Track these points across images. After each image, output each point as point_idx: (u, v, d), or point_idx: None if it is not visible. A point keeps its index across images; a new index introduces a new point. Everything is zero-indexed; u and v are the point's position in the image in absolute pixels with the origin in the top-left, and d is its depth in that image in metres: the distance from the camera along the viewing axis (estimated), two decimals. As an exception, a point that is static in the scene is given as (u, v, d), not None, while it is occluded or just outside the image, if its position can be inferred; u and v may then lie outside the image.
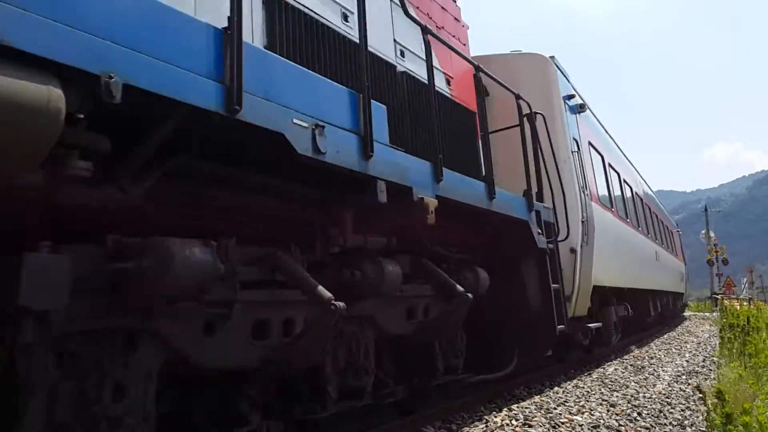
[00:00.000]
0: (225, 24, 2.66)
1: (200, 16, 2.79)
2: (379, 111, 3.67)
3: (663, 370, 8.45)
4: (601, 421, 5.03)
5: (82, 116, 2.11)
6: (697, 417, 5.49)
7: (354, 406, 4.06)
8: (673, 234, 20.78)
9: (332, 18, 4.24)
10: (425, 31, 4.64)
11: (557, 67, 8.63)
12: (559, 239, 6.50)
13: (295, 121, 2.91)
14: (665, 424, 5.15)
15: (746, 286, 42.11)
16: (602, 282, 8.61)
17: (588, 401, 5.88)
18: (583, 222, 7.76)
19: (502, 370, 5.85)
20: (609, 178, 10.85)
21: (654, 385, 7.07)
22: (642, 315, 13.00)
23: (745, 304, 29.06)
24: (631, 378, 7.58)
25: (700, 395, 5.17)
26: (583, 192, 8.16)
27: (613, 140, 12.63)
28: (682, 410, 5.76)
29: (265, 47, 3.46)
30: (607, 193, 10.32)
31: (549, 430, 4.66)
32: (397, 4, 4.83)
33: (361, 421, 4.39)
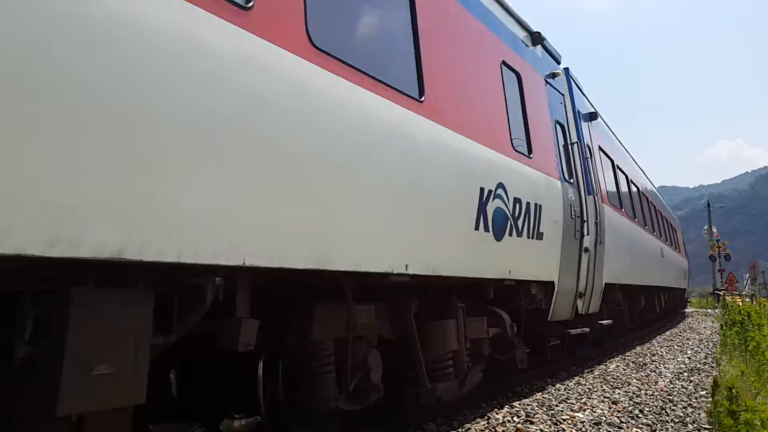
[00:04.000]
0: None
1: None
2: None
3: (665, 367, 8.44)
4: (603, 418, 5.02)
5: None
6: (699, 414, 5.49)
7: None
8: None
9: None
10: None
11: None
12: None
13: None
14: (667, 422, 5.14)
15: (748, 282, 42.01)
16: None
17: (590, 398, 5.88)
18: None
19: None
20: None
21: (656, 382, 7.06)
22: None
23: (747, 300, 29.00)
24: (633, 375, 7.58)
25: (707, 390, 5.15)
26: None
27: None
28: (684, 407, 5.75)
29: None
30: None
31: (551, 427, 4.65)
32: None
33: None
